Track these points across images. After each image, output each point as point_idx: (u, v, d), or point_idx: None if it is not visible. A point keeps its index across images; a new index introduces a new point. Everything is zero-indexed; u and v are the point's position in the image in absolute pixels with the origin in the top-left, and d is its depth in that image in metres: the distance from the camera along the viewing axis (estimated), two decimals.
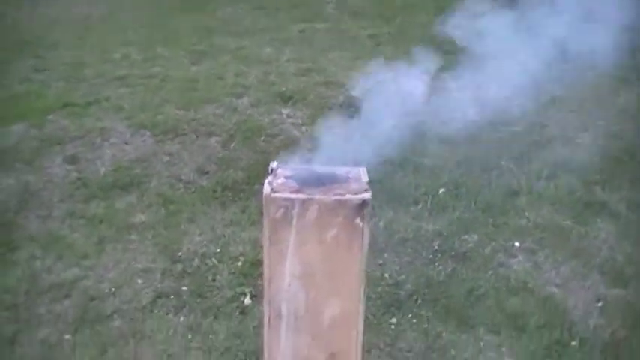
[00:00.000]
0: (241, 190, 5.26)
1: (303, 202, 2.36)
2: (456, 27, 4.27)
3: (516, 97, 7.01)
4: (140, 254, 4.54)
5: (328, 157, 2.92)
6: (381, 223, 4.94)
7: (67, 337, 3.87)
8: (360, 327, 2.53)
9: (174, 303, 4.16)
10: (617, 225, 5.11)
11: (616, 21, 4.02)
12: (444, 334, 4.01)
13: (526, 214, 5.17)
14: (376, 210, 5.01)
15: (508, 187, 5.48)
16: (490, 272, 4.52)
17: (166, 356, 3.76)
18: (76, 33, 8.24)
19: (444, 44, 5.29)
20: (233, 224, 4.91)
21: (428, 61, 3.94)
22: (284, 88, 6.91)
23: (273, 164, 2.55)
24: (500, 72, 3.90)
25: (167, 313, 4.07)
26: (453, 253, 4.71)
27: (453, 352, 3.88)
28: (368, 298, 4.07)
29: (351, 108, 6.05)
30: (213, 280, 4.34)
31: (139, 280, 4.31)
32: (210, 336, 3.91)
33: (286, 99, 6.63)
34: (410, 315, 4.16)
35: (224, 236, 4.77)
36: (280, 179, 2.46)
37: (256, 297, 4.14)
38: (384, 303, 4.21)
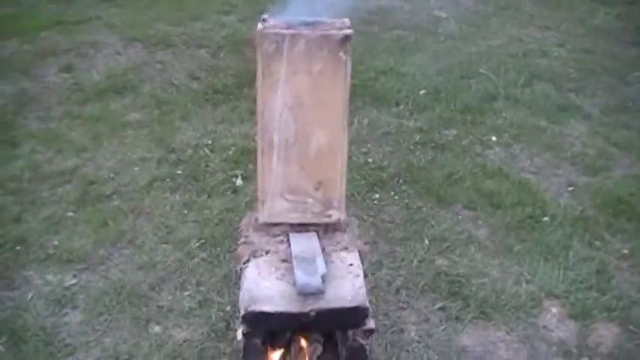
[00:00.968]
0: (231, 92, 5.46)
1: (293, 36, 2.59)
2: None
3: (495, 14, 7.29)
4: (136, 147, 4.76)
5: None
6: (365, 120, 5.16)
7: (69, 214, 4.10)
8: (344, 157, 2.77)
9: (170, 185, 4.39)
10: (590, 125, 5.39)
11: None
12: (423, 209, 4.28)
13: (503, 114, 5.43)
14: (360, 109, 5.25)
15: (486, 92, 5.73)
16: (468, 160, 4.79)
17: (164, 227, 4.00)
18: None
19: None
20: (224, 121, 5.12)
21: None
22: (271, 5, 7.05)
23: (265, 15, 2.77)
24: None
25: (164, 193, 4.31)
26: (432, 144, 4.97)
27: (432, 222, 4.15)
28: (352, 179, 4.39)
29: None
30: (206, 166, 4.57)
31: (136, 168, 4.54)
32: (205, 211, 4.15)
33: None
34: (392, 193, 4.42)
35: (215, 132, 4.99)
36: (272, 22, 2.68)
37: (247, 179, 4.39)
38: (368, 183, 4.47)
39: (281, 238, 2.87)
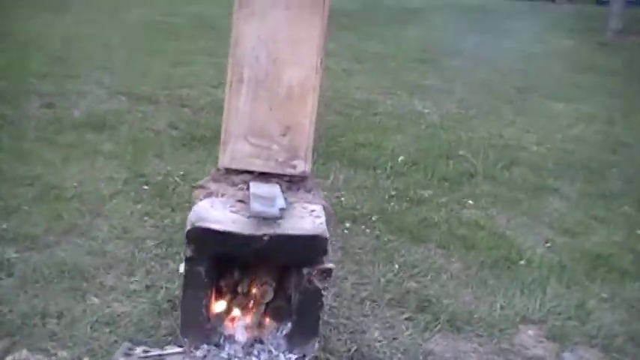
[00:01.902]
0: (208, 142, 5.39)
1: None
2: None
3: (477, 116, 7.45)
4: (105, 168, 4.63)
5: None
6: (341, 176, 5.08)
7: (24, 207, 3.91)
8: (315, 101, 2.67)
9: (134, 197, 4.23)
10: (569, 204, 5.27)
11: None
12: (395, 242, 4.11)
13: (481, 187, 5.36)
14: (337, 169, 5.17)
15: (464, 170, 5.68)
16: (443, 211, 4.68)
17: (121, 228, 3.79)
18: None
19: None
20: (199, 163, 5.02)
21: None
22: None
23: None
24: None
25: (126, 202, 4.14)
26: (408, 198, 4.85)
27: (402, 252, 3.97)
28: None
29: None
30: (174, 189, 4.43)
31: (102, 184, 4.38)
32: (166, 220, 3.97)
33: None
34: (363, 226, 4.27)
35: (188, 169, 4.87)
36: None
37: None
38: (339, 218, 4.29)
39: (241, 186, 2.69)
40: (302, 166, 2.69)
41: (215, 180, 2.72)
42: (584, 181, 5.86)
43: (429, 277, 3.72)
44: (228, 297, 2.53)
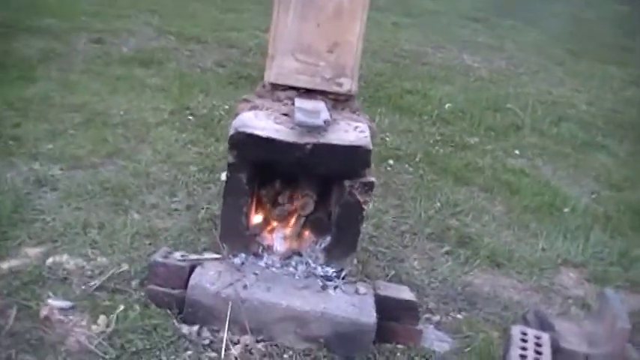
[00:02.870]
0: (255, 80, 5.32)
1: None
2: None
3: (526, 73, 7.29)
4: (151, 99, 4.65)
5: None
6: (387, 120, 5.01)
7: (70, 131, 3.95)
8: (364, 19, 2.61)
9: (179, 126, 4.26)
10: (616, 161, 5.19)
11: None
12: (438, 182, 4.06)
13: (527, 139, 5.26)
14: (382, 114, 5.10)
15: (512, 122, 5.59)
16: (488, 157, 4.61)
17: (165, 153, 3.82)
18: None
19: None
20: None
21: None
22: None
23: None
24: None
25: (171, 130, 4.17)
26: (453, 144, 4.79)
27: (445, 191, 3.92)
28: None
29: None
30: (219, 121, 4.43)
31: (148, 113, 4.40)
32: (210, 148, 3.99)
33: None
34: (407, 165, 4.23)
35: (234, 103, 4.85)
36: None
37: None
38: (382, 157, 4.27)
39: (285, 102, 2.66)
40: (348, 85, 2.65)
41: (260, 95, 2.70)
42: (634, 141, 5.73)
43: (470, 217, 3.68)
44: (268, 207, 2.53)
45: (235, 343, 2.23)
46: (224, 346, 2.21)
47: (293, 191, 2.52)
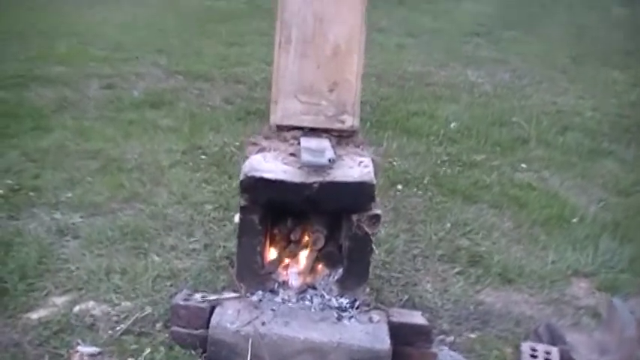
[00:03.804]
0: (264, 115, 5.43)
1: None
2: None
3: (530, 84, 7.37)
4: (164, 141, 4.79)
5: None
6: (395, 144, 5.12)
7: (87, 179, 4.10)
8: (361, 58, 2.74)
9: (192, 166, 4.40)
10: (624, 166, 5.24)
11: None
12: (447, 203, 4.16)
13: (534, 152, 5.34)
14: (390, 137, 5.21)
15: (518, 136, 5.68)
16: (495, 174, 4.70)
17: (180, 194, 3.95)
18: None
19: None
20: (255, 134, 5.13)
21: None
22: None
23: None
24: None
25: (185, 171, 4.30)
26: (460, 163, 4.88)
27: (455, 211, 4.01)
28: None
29: None
30: (231, 158, 4.55)
31: (161, 156, 4.55)
32: (224, 185, 4.11)
33: None
34: (415, 189, 4.32)
35: (244, 137, 4.99)
36: None
37: None
38: (391, 182, 4.38)
39: (291, 142, 2.79)
40: (350, 121, 2.77)
41: (266, 137, 2.83)
42: None
43: (480, 235, 3.77)
44: (281, 244, 2.64)
45: None
46: None
47: (304, 227, 2.63)
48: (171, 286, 2.97)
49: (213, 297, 2.53)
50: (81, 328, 2.64)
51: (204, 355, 2.46)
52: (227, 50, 7.75)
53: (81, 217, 3.59)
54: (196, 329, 2.47)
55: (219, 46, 8.01)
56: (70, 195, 3.83)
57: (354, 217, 2.48)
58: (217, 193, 3.99)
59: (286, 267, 2.65)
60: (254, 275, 2.56)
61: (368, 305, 2.57)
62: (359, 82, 2.79)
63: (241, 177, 2.44)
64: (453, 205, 4.11)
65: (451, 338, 2.80)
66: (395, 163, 4.65)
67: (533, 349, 2.34)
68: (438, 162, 4.84)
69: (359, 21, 2.74)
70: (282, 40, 2.75)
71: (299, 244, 2.63)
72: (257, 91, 6.13)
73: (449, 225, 3.84)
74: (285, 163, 2.55)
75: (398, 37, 9.00)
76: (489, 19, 10.90)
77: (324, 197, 2.42)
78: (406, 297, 3.03)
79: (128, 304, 2.82)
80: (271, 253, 2.65)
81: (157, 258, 3.21)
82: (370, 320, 2.48)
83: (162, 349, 2.49)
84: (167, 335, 2.56)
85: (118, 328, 2.64)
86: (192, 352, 2.47)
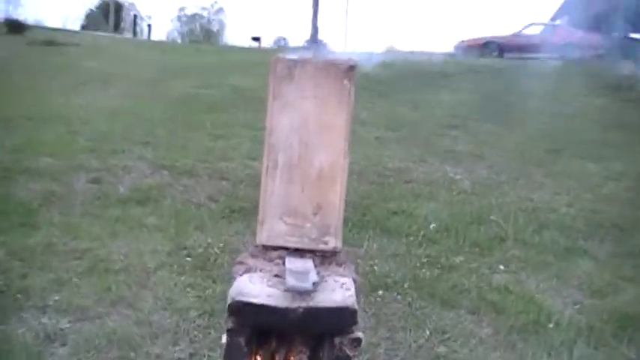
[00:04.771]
0: (247, 213, 5.66)
1: (304, 62, 2.88)
2: None
3: (507, 181, 7.61)
4: (149, 241, 4.90)
5: None
6: (375, 245, 5.26)
7: (74, 280, 4.18)
8: (344, 182, 2.90)
9: (177, 270, 4.48)
10: (597, 264, 5.39)
11: None
12: (426, 309, 4.26)
13: (511, 252, 5.50)
14: (370, 238, 5.36)
15: (495, 235, 5.83)
16: (474, 277, 4.82)
17: (165, 299, 4.03)
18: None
19: None
20: (238, 234, 5.27)
21: None
22: None
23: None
24: None
25: (170, 274, 4.39)
26: (439, 265, 5.01)
27: (434, 317, 4.12)
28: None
29: None
30: (215, 260, 4.66)
31: (147, 256, 4.64)
32: (208, 290, 4.20)
33: None
34: (395, 293, 4.43)
35: (228, 239, 5.12)
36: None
37: None
38: (372, 285, 4.49)
39: (277, 261, 2.91)
40: (333, 242, 2.90)
41: (253, 255, 2.94)
42: (614, 241, 5.96)
43: (458, 342, 3.86)
44: None
45: None
46: None
47: (288, 348, 2.72)
48: None
49: None
50: None
51: None
52: (212, 143, 7.93)
53: (69, 321, 3.66)
54: None
55: (205, 137, 8.20)
56: (57, 298, 3.91)
57: (337, 340, 2.57)
58: (202, 299, 4.07)
59: None
60: None
61: None
62: (342, 205, 2.94)
63: (229, 300, 2.54)
64: (432, 311, 4.21)
65: None
66: (376, 267, 4.77)
67: None
68: (418, 264, 4.96)
69: (342, 147, 2.91)
70: (270, 165, 2.91)
71: None
72: (241, 189, 6.26)
73: (428, 332, 3.94)
74: (270, 286, 2.65)
75: (378, 130, 9.26)
76: (466, 110, 11.23)
77: (307, 321, 2.51)
78: None
79: None
80: None
81: None
82: None
83: None
84: None
85: None
86: None
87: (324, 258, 2.93)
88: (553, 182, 7.72)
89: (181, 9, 49.25)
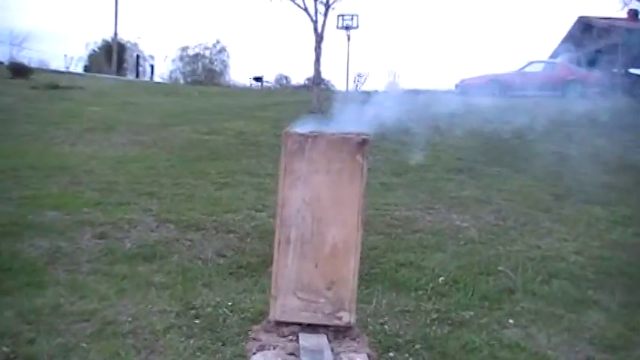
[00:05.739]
0: (255, 269, 5.63)
1: (315, 137, 2.89)
2: None
3: (514, 227, 7.58)
4: (157, 300, 4.86)
5: None
6: (384, 301, 5.21)
7: (82, 344, 4.14)
8: (358, 257, 2.91)
9: (186, 332, 4.42)
10: (608, 316, 5.34)
11: None
12: None
13: (521, 304, 5.45)
14: (379, 293, 5.31)
15: (504, 286, 5.79)
16: (484, 334, 4.77)
17: None
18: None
19: None
20: (245, 291, 5.22)
21: None
22: None
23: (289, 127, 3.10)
24: None
25: (180, 337, 4.33)
26: (449, 321, 4.95)
27: None
28: (368, 342, 4.37)
29: None
30: (224, 321, 4.60)
31: (155, 317, 4.60)
32: (217, 355, 4.13)
33: None
34: (407, 354, 4.37)
35: (236, 298, 5.08)
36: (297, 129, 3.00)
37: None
38: (383, 346, 4.41)
39: (290, 337, 2.89)
40: (347, 317, 2.89)
41: (266, 331, 2.93)
42: (623, 290, 5.90)
43: None
44: None
45: None
46: None
47: None
48: None
49: None
50: None
51: None
52: (218, 192, 7.94)
53: None
54: None
55: (210, 186, 8.21)
56: None
57: None
58: None
59: None
60: None
61: None
62: (356, 280, 2.93)
63: None
64: None
65: None
66: (386, 325, 4.71)
67: None
68: (428, 321, 4.90)
69: (356, 222, 2.91)
70: (282, 240, 2.91)
71: None
72: (247, 242, 6.24)
73: None
74: None
75: (384, 176, 9.27)
76: (471, 154, 11.24)
77: None
78: None
79: None
80: None
81: None
82: None
83: None
84: None
85: None
86: None
87: (337, 332, 2.91)
88: (560, 228, 7.71)
89: (184, 49, 49.56)
